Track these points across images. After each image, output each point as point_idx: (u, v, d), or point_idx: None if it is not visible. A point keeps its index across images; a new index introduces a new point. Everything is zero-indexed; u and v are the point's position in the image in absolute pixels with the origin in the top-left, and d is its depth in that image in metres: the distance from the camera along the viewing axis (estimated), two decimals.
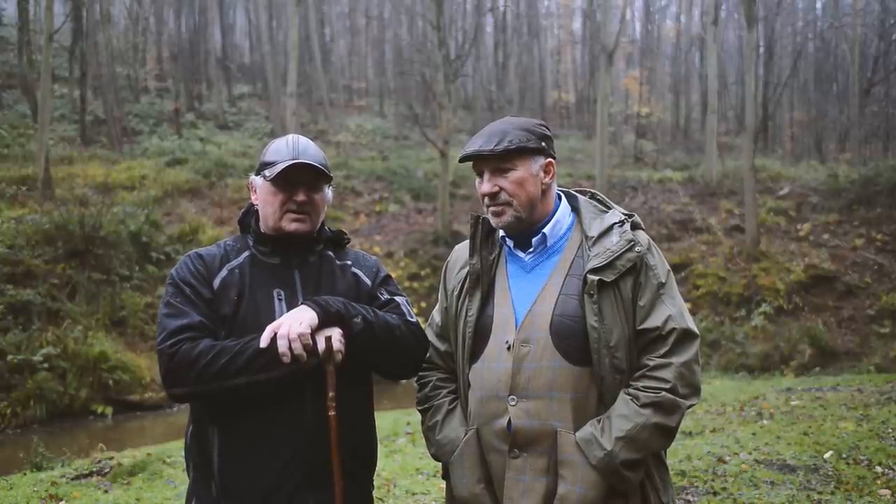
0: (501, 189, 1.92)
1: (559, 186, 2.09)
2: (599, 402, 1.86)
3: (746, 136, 18.57)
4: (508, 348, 1.89)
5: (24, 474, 6.59)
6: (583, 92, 35.50)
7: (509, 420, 1.87)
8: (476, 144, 1.93)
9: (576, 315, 1.86)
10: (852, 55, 26.65)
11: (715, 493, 4.82)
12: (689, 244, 18.21)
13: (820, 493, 4.76)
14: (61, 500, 5.48)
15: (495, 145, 1.89)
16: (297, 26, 21.13)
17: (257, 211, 2.09)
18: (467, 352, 1.98)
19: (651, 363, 1.84)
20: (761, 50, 29.49)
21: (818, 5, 35.85)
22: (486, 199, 1.95)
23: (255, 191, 2.08)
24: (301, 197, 2.00)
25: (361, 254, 2.23)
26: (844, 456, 5.52)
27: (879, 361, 13.66)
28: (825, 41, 32.48)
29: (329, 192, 2.12)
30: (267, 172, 2.01)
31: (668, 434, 1.84)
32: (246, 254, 2.05)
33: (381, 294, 2.13)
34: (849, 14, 28.55)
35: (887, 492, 4.70)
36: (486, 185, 1.93)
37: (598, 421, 1.83)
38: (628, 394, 1.83)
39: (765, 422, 7.12)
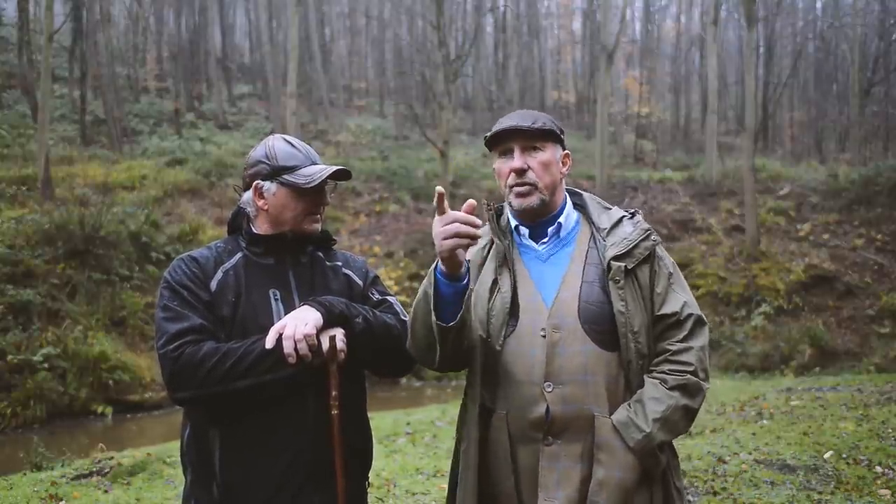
0: (530, 168, 1.95)
1: None
2: (626, 386, 1.89)
3: (746, 136, 18.58)
4: (543, 335, 1.89)
5: (24, 474, 6.58)
6: (583, 92, 35.49)
7: (547, 407, 1.86)
8: (511, 121, 1.96)
9: (600, 301, 1.90)
10: (852, 55, 26.64)
11: (715, 493, 4.82)
12: (689, 244, 18.22)
13: (820, 493, 4.77)
14: (61, 500, 5.48)
15: (532, 123, 1.94)
16: (297, 26, 21.13)
17: (248, 213, 2.08)
18: (497, 328, 1.93)
19: (673, 348, 1.90)
20: (761, 50, 29.52)
21: (818, 5, 35.84)
22: (513, 177, 1.95)
23: (264, 195, 2.03)
24: (327, 200, 2.07)
25: (349, 255, 2.25)
26: (844, 456, 5.53)
27: (879, 361, 13.67)
28: (825, 41, 32.47)
29: None
30: (299, 180, 1.99)
31: (692, 416, 1.90)
32: (238, 255, 2.05)
33: (373, 294, 2.15)
34: (849, 14, 28.57)
35: (887, 492, 4.70)
36: (517, 161, 1.94)
37: (630, 405, 1.86)
38: (655, 377, 1.87)
39: (765, 422, 7.12)
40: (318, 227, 2.07)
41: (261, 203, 2.04)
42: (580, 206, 2.10)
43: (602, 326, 1.88)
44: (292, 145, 2.06)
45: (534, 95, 33.91)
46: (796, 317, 15.63)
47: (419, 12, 30.50)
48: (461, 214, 1.72)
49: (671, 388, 1.85)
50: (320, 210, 2.06)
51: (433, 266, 1.84)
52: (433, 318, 1.78)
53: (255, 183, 2.04)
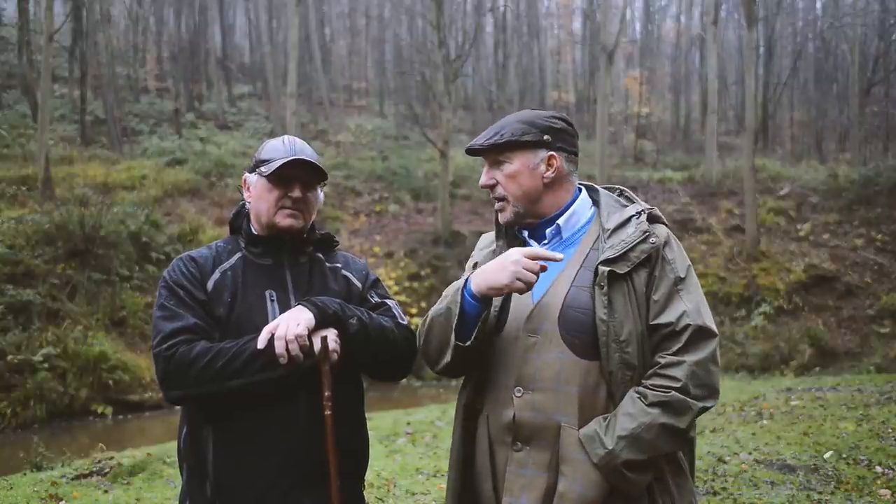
0: (497, 182, 1.94)
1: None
2: (609, 398, 1.79)
3: (746, 136, 18.59)
4: (517, 338, 1.85)
5: (24, 474, 6.59)
6: (583, 92, 35.48)
7: (514, 413, 1.83)
8: (474, 140, 1.97)
9: (586, 307, 1.80)
10: (852, 55, 26.63)
11: (715, 493, 4.82)
12: (689, 244, 18.21)
13: (820, 493, 4.77)
14: (61, 500, 5.47)
15: (487, 139, 1.93)
16: (297, 26, 21.13)
17: (248, 213, 2.10)
18: (486, 328, 1.91)
19: (663, 361, 1.77)
20: (761, 50, 29.51)
21: (818, 5, 35.85)
22: (489, 193, 1.98)
23: (249, 188, 2.09)
24: (296, 193, 2.02)
25: (350, 256, 2.25)
26: (844, 456, 5.52)
27: (879, 361, 13.68)
28: (825, 41, 32.47)
29: (321, 193, 2.14)
30: (263, 168, 2.03)
31: (677, 436, 1.75)
32: (238, 255, 2.06)
33: (372, 297, 2.14)
34: (849, 14, 28.55)
35: (887, 492, 4.70)
36: (483, 178, 1.97)
37: (604, 419, 1.77)
38: (637, 392, 1.76)
39: (765, 422, 7.11)
40: (294, 222, 2.03)
41: (247, 195, 2.10)
42: (598, 204, 2.01)
43: (582, 334, 1.80)
44: (283, 142, 2.08)
45: (534, 95, 33.91)
46: (796, 317, 15.64)
47: (419, 12, 30.49)
48: (547, 254, 1.78)
49: (650, 405, 1.72)
50: (296, 205, 2.03)
51: (462, 284, 1.85)
52: (453, 338, 1.82)
53: (244, 176, 2.11)
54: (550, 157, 1.94)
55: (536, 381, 1.82)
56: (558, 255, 1.79)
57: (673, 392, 1.73)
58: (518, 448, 1.83)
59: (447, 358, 1.87)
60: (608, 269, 1.81)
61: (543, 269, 1.77)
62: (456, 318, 1.82)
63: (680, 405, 1.73)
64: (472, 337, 1.82)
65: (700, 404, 1.76)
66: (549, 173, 1.93)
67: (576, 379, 1.79)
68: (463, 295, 1.84)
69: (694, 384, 1.74)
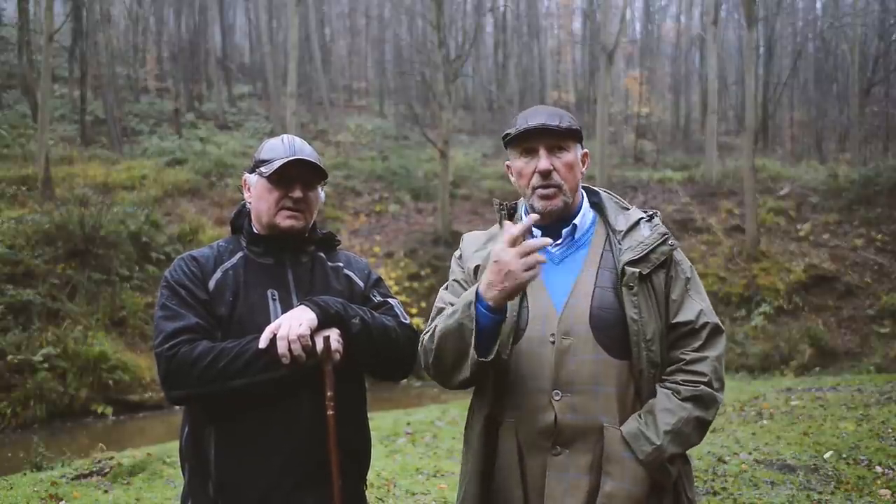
0: (555, 169, 1.90)
1: None
2: (636, 396, 1.84)
3: (746, 136, 18.59)
4: (553, 342, 1.83)
5: (24, 474, 6.59)
6: (583, 92, 35.46)
7: (554, 416, 1.80)
8: (539, 119, 1.89)
9: (613, 308, 1.83)
10: (852, 55, 26.62)
11: (715, 493, 4.82)
12: (689, 244, 18.21)
13: (820, 493, 4.77)
14: (61, 500, 5.48)
15: (559, 122, 1.89)
16: (297, 26, 21.12)
17: (250, 212, 2.10)
18: (505, 334, 1.85)
19: (687, 357, 1.84)
20: (761, 50, 29.51)
21: (818, 5, 35.85)
22: (537, 179, 1.90)
23: (250, 189, 2.08)
24: (297, 193, 2.01)
25: (353, 255, 2.25)
26: (844, 456, 5.53)
27: (879, 361, 13.68)
28: (825, 41, 32.46)
29: (322, 192, 2.14)
30: (264, 169, 2.02)
31: (705, 428, 1.84)
32: (239, 254, 2.06)
33: (374, 296, 2.14)
34: (849, 14, 28.55)
35: (887, 492, 4.70)
36: (544, 162, 1.88)
37: (640, 416, 1.80)
38: (667, 388, 1.82)
39: (765, 422, 7.12)
40: (295, 223, 2.02)
41: (247, 196, 2.09)
42: (597, 206, 2.04)
43: (613, 334, 1.82)
44: (283, 142, 2.07)
45: (534, 95, 33.89)
46: (796, 317, 15.64)
47: (419, 12, 30.50)
48: (537, 243, 1.69)
49: (684, 400, 1.79)
50: (297, 206, 2.02)
51: (472, 298, 1.75)
52: (474, 355, 1.74)
53: (244, 176, 2.10)
54: (585, 153, 2.00)
55: (575, 384, 1.81)
56: (547, 241, 1.73)
57: (702, 386, 1.81)
58: (557, 452, 1.82)
59: (465, 374, 1.80)
60: (636, 270, 1.84)
61: (544, 243, 1.70)
62: (473, 333, 1.74)
63: (709, 398, 1.82)
64: (494, 350, 1.77)
65: (721, 395, 1.86)
66: (584, 169, 1.99)
67: (612, 379, 1.82)
68: (477, 308, 1.75)
69: (715, 378, 1.84)
